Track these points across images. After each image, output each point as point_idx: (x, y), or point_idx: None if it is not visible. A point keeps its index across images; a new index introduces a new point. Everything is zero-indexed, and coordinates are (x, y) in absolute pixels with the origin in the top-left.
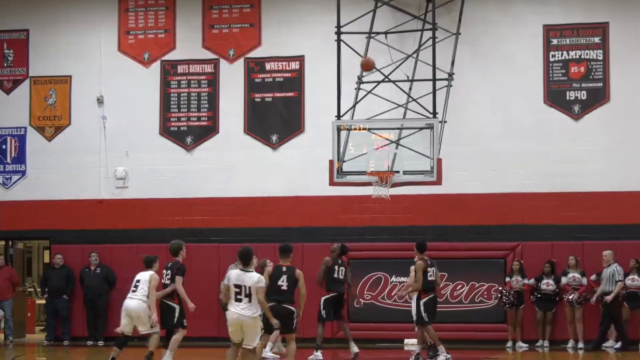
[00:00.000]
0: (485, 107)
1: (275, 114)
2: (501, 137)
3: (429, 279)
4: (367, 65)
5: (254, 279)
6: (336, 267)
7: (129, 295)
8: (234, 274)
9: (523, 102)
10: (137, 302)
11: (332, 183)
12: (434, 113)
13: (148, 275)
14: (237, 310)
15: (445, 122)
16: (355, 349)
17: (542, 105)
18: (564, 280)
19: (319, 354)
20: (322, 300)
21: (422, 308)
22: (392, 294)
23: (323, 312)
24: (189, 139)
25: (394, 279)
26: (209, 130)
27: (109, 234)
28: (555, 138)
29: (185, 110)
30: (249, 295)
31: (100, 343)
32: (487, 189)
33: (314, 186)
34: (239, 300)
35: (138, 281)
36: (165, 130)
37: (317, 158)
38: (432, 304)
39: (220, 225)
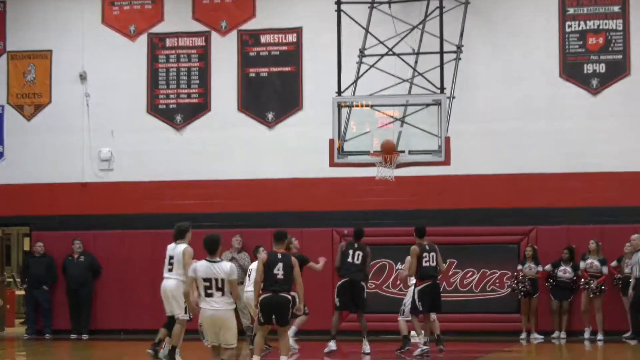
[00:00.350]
0: (496, 82)
1: (271, 90)
2: (514, 114)
3: (424, 265)
4: (389, 147)
5: (225, 269)
6: (351, 252)
7: (165, 274)
8: (201, 267)
9: (537, 76)
10: (175, 282)
11: (332, 164)
12: (442, 88)
13: (181, 249)
14: (210, 307)
15: (454, 97)
16: (367, 348)
17: (558, 79)
18: (582, 265)
19: (332, 344)
20: (336, 287)
21: (416, 296)
22: (398, 282)
23: (336, 299)
24: (178, 118)
25: (399, 266)
26: (200, 108)
27: (93, 219)
28: (571, 114)
29: (174, 87)
30: (221, 289)
31: (85, 337)
32: (499, 170)
33: (313, 167)
34: (210, 295)
35: (171, 257)
36: (153, 108)
37: (317, 137)
38: (428, 293)
39: (213, 209)
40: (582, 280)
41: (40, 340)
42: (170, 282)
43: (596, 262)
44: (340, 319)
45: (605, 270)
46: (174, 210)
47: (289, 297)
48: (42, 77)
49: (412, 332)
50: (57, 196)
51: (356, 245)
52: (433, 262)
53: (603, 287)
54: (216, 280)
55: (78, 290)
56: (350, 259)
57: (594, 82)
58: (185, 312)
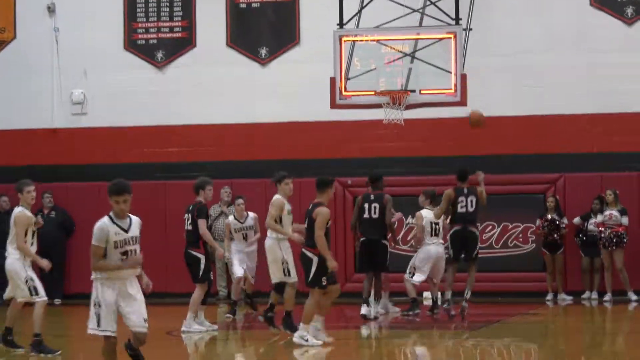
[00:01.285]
0: (519, 11)
1: (265, 23)
2: (539, 48)
3: (459, 210)
4: (477, 119)
5: None
6: (366, 205)
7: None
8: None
9: (565, 5)
10: (270, 241)
11: (334, 106)
12: (457, 19)
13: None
14: None
15: (471, 29)
16: (364, 309)
17: (588, 7)
18: (599, 218)
19: (364, 307)
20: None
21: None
22: (409, 238)
23: (357, 262)
24: (160, 55)
25: (410, 220)
26: (184, 43)
27: (64, 170)
28: (604, 48)
29: (154, 20)
30: None
31: (57, 302)
32: (522, 111)
33: (312, 110)
34: None
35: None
36: (131, 44)
37: (316, 75)
38: (459, 238)
39: (201, 158)
40: (599, 233)
41: (7, 307)
42: (266, 242)
43: (615, 213)
44: (370, 280)
45: (625, 220)
46: (155, 159)
47: (309, 254)
48: (5, 9)
49: (425, 294)
50: (24, 144)
51: (372, 197)
52: (471, 207)
53: (624, 237)
54: None
55: (49, 250)
56: (366, 214)
57: (629, 10)
58: (289, 275)
